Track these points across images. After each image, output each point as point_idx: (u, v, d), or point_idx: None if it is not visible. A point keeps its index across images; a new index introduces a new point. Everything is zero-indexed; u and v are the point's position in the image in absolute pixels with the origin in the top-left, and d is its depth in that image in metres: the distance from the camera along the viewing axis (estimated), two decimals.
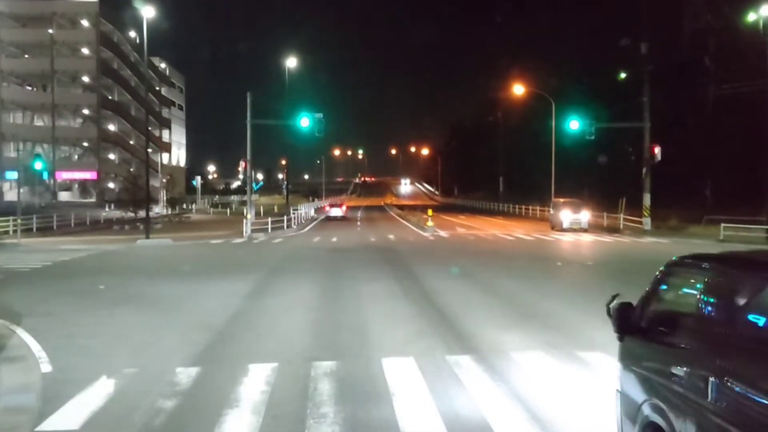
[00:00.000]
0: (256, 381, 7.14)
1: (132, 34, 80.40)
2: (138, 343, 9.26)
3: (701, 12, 52.51)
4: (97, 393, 6.82)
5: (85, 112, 73.22)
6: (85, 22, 71.02)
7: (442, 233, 32.46)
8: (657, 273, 4.24)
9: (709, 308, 3.49)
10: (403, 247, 24.72)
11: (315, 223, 46.40)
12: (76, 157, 76.68)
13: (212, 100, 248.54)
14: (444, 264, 18.59)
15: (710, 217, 30.25)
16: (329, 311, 11.44)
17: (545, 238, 29.15)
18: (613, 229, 32.98)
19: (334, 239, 29.51)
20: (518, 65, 73.43)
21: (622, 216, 34.38)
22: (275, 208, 60.06)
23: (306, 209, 51.73)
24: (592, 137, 31.83)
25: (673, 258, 4.20)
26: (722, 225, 26.80)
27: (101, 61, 70.30)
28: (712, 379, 3.21)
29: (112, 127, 74.98)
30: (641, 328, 4.15)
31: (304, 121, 30.15)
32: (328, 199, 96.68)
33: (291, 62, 41.49)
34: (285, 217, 36.55)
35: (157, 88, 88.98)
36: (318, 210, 66.10)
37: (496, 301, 12.24)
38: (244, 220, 30.76)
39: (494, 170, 75.92)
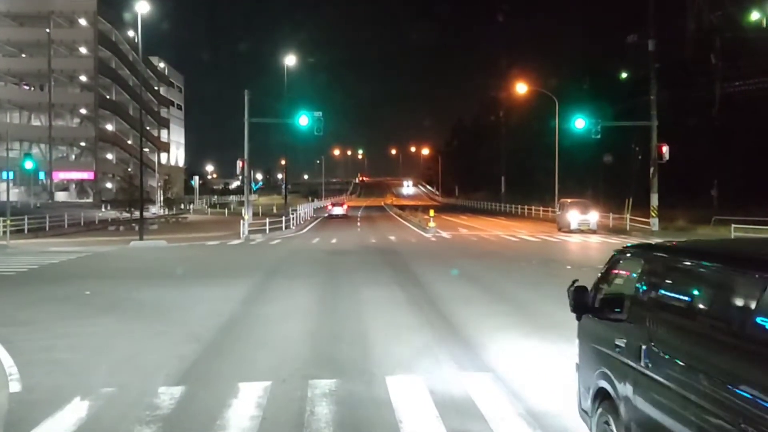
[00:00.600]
0: (246, 404, 6.40)
1: (130, 33, 79.57)
2: (120, 356, 8.52)
3: (705, 10, 51.98)
4: (68, 418, 6.08)
5: (83, 111, 72.55)
6: (82, 21, 70.34)
7: (444, 234, 31.70)
8: (607, 261, 5.01)
9: (643, 289, 4.22)
10: (405, 249, 23.96)
11: (314, 223, 45.66)
12: (73, 157, 76.04)
13: (212, 100, 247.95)
14: (448, 267, 17.83)
15: (720, 218, 29.49)
16: (328, 320, 10.70)
17: (551, 240, 28.40)
18: (619, 231, 32.21)
19: (334, 240, 28.75)
20: (519, 64, 73.01)
21: (628, 217, 33.62)
22: (274, 208, 59.28)
23: (305, 209, 50.94)
24: (598, 136, 31.04)
25: (619, 248, 5.04)
26: (733, 226, 26.05)
27: (99, 61, 69.63)
28: (643, 346, 3.96)
29: (109, 127, 74.26)
30: (594, 308, 4.81)
31: (303, 120, 29.40)
32: (327, 199, 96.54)
33: (290, 60, 40.72)
34: (283, 218, 35.74)
35: (156, 88, 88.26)
36: (317, 210, 65.43)
37: (508, 309, 11.48)
38: (241, 221, 29.98)
39: (495, 170, 75.19)
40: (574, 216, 32.07)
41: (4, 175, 28.31)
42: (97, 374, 7.64)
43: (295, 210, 45.62)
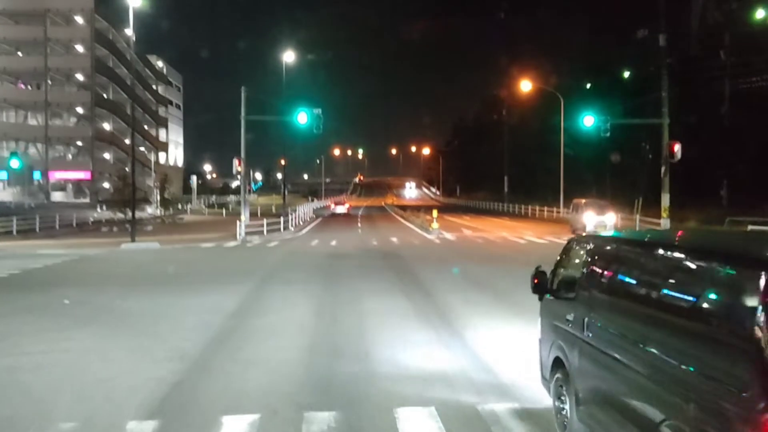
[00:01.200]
0: None
1: (128, 31, 78.68)
2: (91, 379, 7.51)
3: (710, 8, 51.04)
4: None
5: (80, 110, 71.55)
6: (79, 19, 69.40)
7: (448, 236, 30.66)
8: (562, 249, 5.87)
9: (586, 271, 5.07)
10: (408, 252, 22.92)
11: (314, 224, 44.59)
12: (70, 156, 75.06)
13: (212, 99, 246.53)
14: (455, 271, 16.81)
15: (734, 219, 28.45)
16: (326, 336, 9.67)
17: (562, 243, 27.29)
18: None
19: (334, 243, 27.71)
20: (522, 62, 71.98)
21: (638, 217, 32.56)
22: (273, 208, 58.30)
23: (304, 209, 49.87)
24: (607, 134, 29.90)
25: (572, 237, 5.91)
26: (749, 227, 25.02)
27: (96, 59, 68.60)
28: (586, 319, 4.83)
29: (107, 126, 73.22)
30: (551, 290, 5.65)
31: (302, 117, 28.36)
32: (327, 199, 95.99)
33: (289, 56, 39.66)
34: (281, 219, 34.67)
35: (154, 87, 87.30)
36: (317, 210, 64.39)
37: (528, 320, 10.43)
38: (238, 222, 28.93)
39: (497, 170, 74.25)
40: (590, 217, 30.23)
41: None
42: (60, 402, 6.65)
43: (295, 210, 44.61)
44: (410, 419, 5.90)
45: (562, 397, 5.32)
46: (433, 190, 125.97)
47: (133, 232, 25.11)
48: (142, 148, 77.47)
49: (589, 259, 5.14)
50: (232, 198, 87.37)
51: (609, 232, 6.16)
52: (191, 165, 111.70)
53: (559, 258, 5.92)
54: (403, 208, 64.79)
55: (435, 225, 32.13)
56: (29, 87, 71.86)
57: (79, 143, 72.54)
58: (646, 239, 5.09)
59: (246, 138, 30.41)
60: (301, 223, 41.92)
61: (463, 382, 7.11)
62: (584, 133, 37.06)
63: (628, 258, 4.64)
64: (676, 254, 4.13)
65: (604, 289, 4.74)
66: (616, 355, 4.31)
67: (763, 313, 3.06)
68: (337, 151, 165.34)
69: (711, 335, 3.41)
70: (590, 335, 4.75)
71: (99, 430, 5.84)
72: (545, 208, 50.72)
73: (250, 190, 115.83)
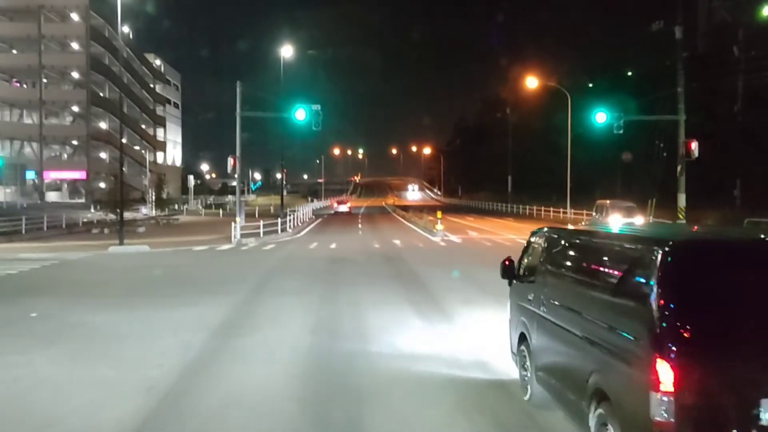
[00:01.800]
0: None
1: (125, 29, 77.35)
2: (35, 422, 6.18)
3: (718, 6, 49.80)
4: None
5: (75, 109, 70.20)
6: (74, 16, 68.12)
7: (454, 238, 29.26)
8: (527, 240, 7.04)
9: (542, 258, 6.18)
10: (413, 256, 21.51)
11: (313, 225, 43.14)
12: (66, 156, 73.70)
13: (211, 98, 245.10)
14: (468, 281, 15.35)
15: (753, 219, 27.07)
16: (325, 362, 8.27)
17: None
18: None
19: (333, 245, 26.30)
20: (524, 61, 70.70)
21: (651, 219, 31.13)
22: (272, 208, 56.94)
23: (304, 210, 48.41)
24: (620, 131, 28.43)
25: (534, 230, 7.01)
26: None
27: (91, 57, 67.22)
28: (542, 296, 5.93)
29: (103, 125, 71.83)
30: (518, 275, 6.94)
31: (300, 114, 26.96)
32: (327, 199, 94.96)
33: (287, 51, 38.19)
34: (279, 220, 33.22)
35: (152, 85, 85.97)
36: (317, 211, 63.01)
37: None
38: (233, 224, 27.53)
39: (500, 169, 72.92)
40: (617, 221, 28.41)
41: None
42: None
43: (294, 211, 43.22)
44: None
45: (526, 366, 6.38)
46: (436, 191, 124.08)
47: (121, 235, 23.70)
48: (137, 147, 76.14)
49: (545, 247, 6.21)
50: (230, 198, 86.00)
51: (560, 226, 7.69)
52: (190, 165, 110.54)
53: (524, 248, 6.99)
54: (405, 208, 63.42)
55: (439, 227, 30.63)
56: (25, 85, 70.50)
57: (75, 142, 71.22)
58: (586, 230, 6.40)
59: (242, 136, 29.01)
60: (299, 224, 40.51)
61: (489, 423, 5.72)
62: (590, 132, 35.71)
63: (572, 245, 5.77)
64: (607, 240, 5.16)
65: (554, 270, 5.82)
66: (561, 323, 5.34)
67: (656, 281, 4.00)
68: (336, 151, 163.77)
69: (625, 301, 4.32)
70: (544, 310, 5.81)
71: None
72: (551, 209, 49.38)
73: (249, 190, 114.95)
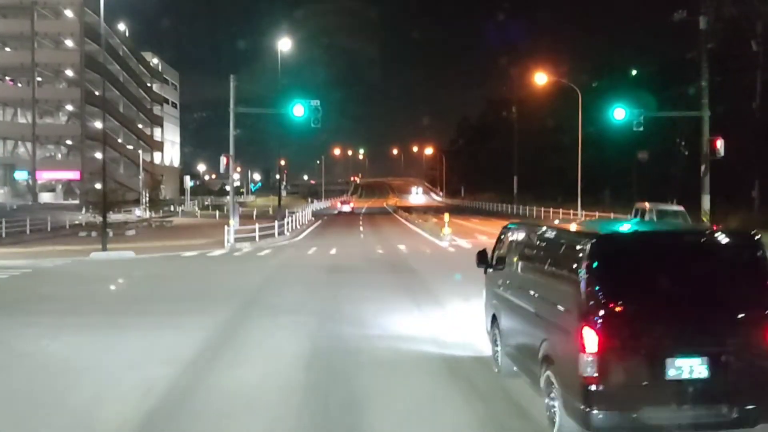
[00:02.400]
0: None
1: (121, 26, 75.66)
2: None
3: (727, 2, 48.16)
4: None
5: (69, 108, 68.54)
6: (68, 13, 66.54)
7: (462, 242, 27.46)
8: (499, 234, 7.98)
9: (509, 248, 7.28)
10: (421, 264, 19.73)
11: (312, 227, 41.30)
12: (60, 156, 72.00)
13: (211, 98, 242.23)
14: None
15: None
16: (323, 408, 6.51)
17: None
18: None
19: (333, 251, 24.52)
20: (527, 60, 68.87)
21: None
22: (270, 210, 55.19)
23: (303, 211, 46.58)
24: (640, 128, 26.62)
25: (505, 225, 8.06)
26: None
27: (86, 54, 65.53)
28: (507, 281, 7.09)
29: (98, 125, 70.08)
30: (491, 264, 7.90)
31: (299, 109, 25.21)
32: (328, 200, 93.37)
33: (285, 45, 36.38)
34: (276, 223, 31.42)
35: (149, 84, 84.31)
36: (316, 212, 61.20)
37: None
38: (226, 227, 25.76)
39: (504, 170, 71.22)
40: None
41: None
42: None
43: (293, 212, 41.43)
44: None
45: (497, 342, 7.43)
46: (441, 194, 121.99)
47: (104, 239, 21.91)
48: (132, 147, 74.45)
49: (512, 239, 7.36)
50: (228, 199, 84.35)
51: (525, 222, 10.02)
52: (189, 165, 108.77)
53: (496, 240, 7.98)
54: (408, 210, 61.55)
55: (447, 230, 28.75)
56: (18, 84, 68.83)
57: (69, 142, 69.52)
58: (541, 225, 7.11)
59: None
60: (298, 226, 38.72)
61: None
62: (599, 130, 34.04)
63: (530, 238, 6.81)
64: (556, 233, 6.29)
65: (517, 258, 6.96)
66: (521, 303, 6.50)
67: (585, 266, 5.07)
68: (337, 152, 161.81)
69: (564, 282, 5.43)
70: (508, 292, 7.02)
71: None
72: (560, 210, 47.62)
73: (248, 191, 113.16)
